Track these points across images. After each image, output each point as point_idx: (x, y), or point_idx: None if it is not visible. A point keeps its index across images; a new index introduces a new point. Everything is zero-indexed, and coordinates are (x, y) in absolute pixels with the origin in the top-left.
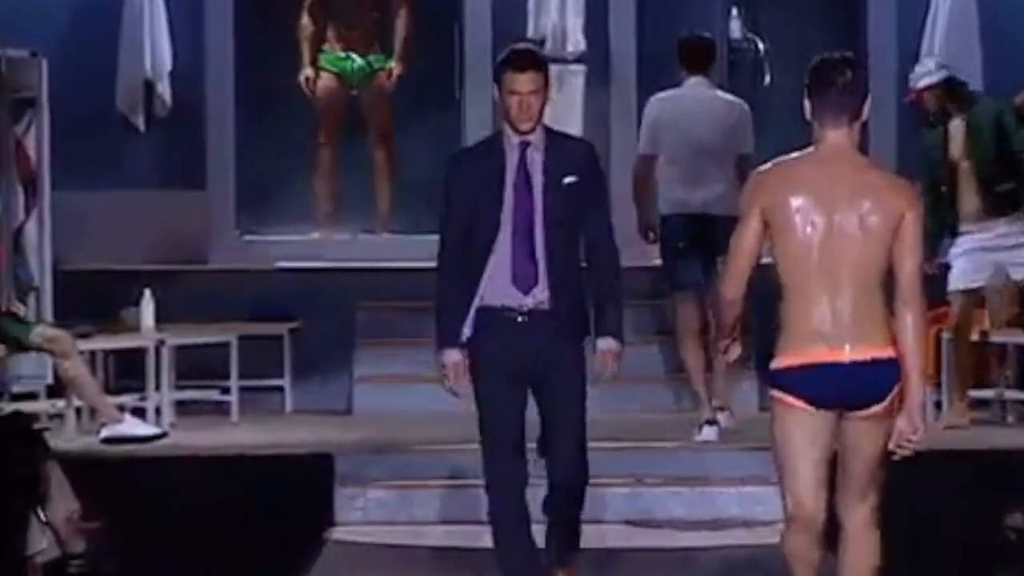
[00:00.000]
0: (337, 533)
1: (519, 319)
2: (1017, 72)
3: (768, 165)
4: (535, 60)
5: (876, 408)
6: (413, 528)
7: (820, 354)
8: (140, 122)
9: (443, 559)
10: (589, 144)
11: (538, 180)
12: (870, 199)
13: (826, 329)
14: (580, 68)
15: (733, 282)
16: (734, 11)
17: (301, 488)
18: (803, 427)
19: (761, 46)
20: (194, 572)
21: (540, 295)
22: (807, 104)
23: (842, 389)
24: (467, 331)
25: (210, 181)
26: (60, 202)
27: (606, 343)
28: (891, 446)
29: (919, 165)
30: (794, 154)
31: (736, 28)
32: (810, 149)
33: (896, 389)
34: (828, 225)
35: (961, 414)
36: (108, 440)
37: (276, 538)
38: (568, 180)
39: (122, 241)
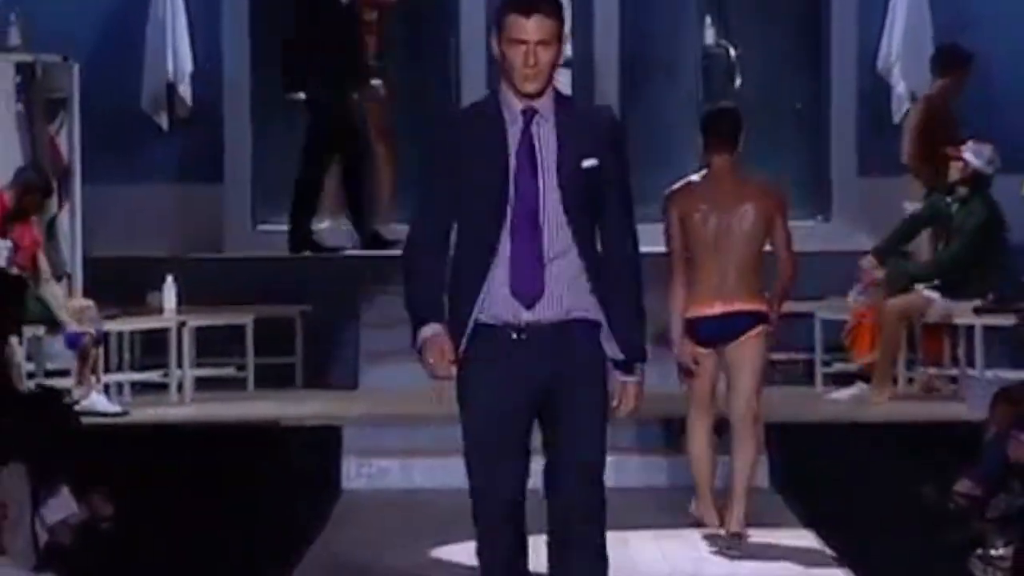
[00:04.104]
0: (345, 498)
1: (520, 339)
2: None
3: (677, 184)
4: (547, 2)
5: (744, 338)
6: (415, 494)
7: (711, 308)
8: (163, 121)
9: (443, 522)
10: (613, 116)
11: (547, 159)
12: (748, 204)
13: (714, 292)
14: (567, 72)
15: (677, 272)
16: (708, 19)
17: (311, 456)
18: (700, 359)
19: (733, 52)
20: (211, 534)
21: (547, 308)
22: (702, 140)
23: (721, 329)
24: (460, 349)
25: (227, 175)
26: (90, 195)
27: (627, 372)
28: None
29: (877, 162)
30: (694, 176)
31: (710, 35)
32: (704, 171)
33: (756, 330)
34: (717, 222)
35: (889, 393)
36: (80, 412)
37: (289, 502)
38: (588, 163)
39: (147, 230)
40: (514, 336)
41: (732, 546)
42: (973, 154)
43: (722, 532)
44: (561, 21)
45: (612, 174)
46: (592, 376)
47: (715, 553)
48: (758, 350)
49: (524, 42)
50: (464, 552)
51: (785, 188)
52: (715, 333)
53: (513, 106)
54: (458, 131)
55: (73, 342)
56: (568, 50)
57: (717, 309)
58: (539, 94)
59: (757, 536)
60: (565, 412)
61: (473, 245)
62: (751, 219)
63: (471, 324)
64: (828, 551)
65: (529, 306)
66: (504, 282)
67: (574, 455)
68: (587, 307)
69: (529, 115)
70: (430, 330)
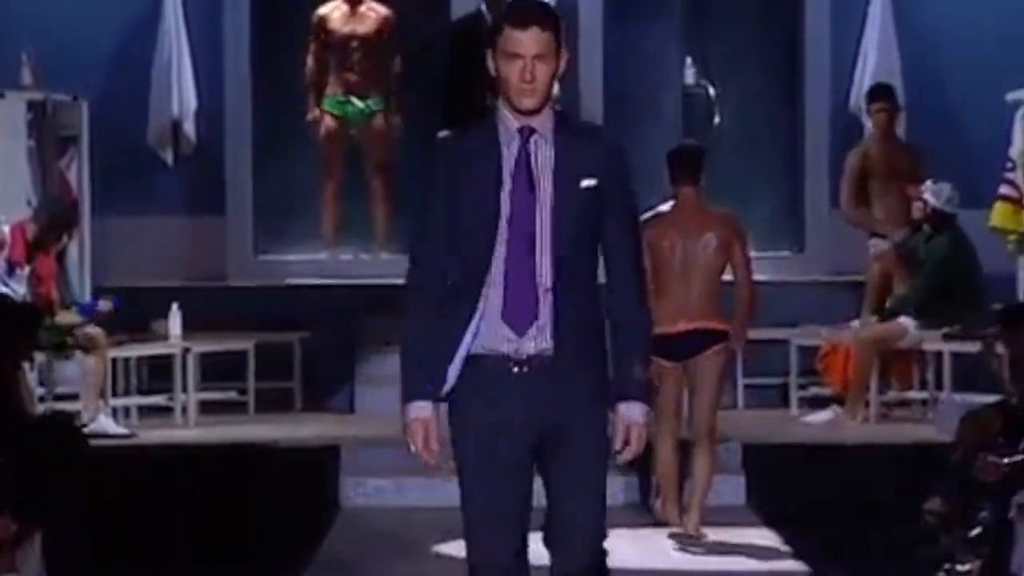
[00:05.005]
0: (343, 516)
1: (516, 370)
2: (933, 120)
3: (648, 214)
4: (542, 15)
5: (706, 354)
6: (410, 512)
7: (675, 326)
8: (168, 157)
9: (438, 537)
10: (614, 140)
11: (544, 179)
12: (709, 231)
13: (678, 311)
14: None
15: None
16: (688, 60)
17: (310, 476)
18: (665, 373)
19: (712, 91)
20: (214, 550)
21: (543, 337)
22: (669, 173)
23: (685, 345)
24: (450, 380)
25: (229, 208)
26: (98, 227)
27: (631, 411)
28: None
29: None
30: (662, 206)
31: (690, 76)
32: (671, 201)
33: (719, 346)
34: (683, 249)
35: (862, 416)
36: (88, 435)
37: (290, 519)
38: (586, 183)
39: (153, 261)
40: (514, 370)
41: (694, 544)
42: (932, 194)
43: (686, 530)
44: (559, 34)
45: (613, 197)
46: (591, 417)
47: (685, 551)
48: (718, 366)
49: (520, 56)
50: (460, 565)
51: (761, 220)
52: (679, 349)
53: (510, 125)
54: (453, 156)
55: (89, 311)
56: (555, 89)
57: (681, 327)
58: (537, 111)
59: (731, 551)
60: (566, 437)
61: (467, 269)
62: (713, 246)
63: (462, 355)
64: (801, 566)
65: (522, 333)
66: (498, 308)
67: (575, 509)
68: (585, 337)
69: (526, 134)
70: (415, 411)
